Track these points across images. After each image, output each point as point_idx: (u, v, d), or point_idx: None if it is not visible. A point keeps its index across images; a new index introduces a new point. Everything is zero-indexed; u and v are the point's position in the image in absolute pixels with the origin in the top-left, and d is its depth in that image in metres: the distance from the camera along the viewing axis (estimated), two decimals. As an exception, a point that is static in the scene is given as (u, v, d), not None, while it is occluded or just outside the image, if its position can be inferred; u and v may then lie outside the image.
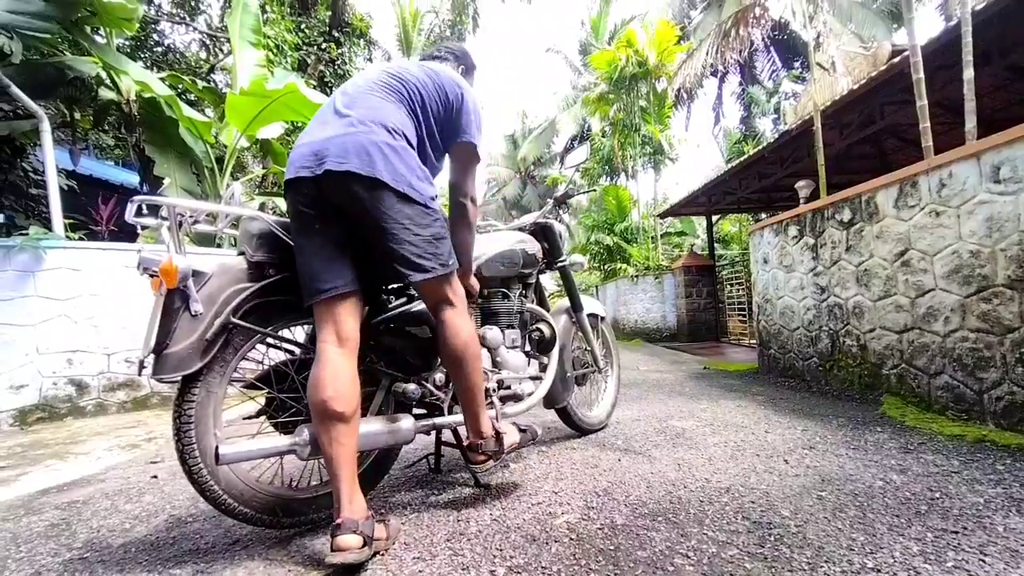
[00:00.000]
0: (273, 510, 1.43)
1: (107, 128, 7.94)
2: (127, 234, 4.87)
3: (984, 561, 1.18)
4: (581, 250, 13.64)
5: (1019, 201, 2.19)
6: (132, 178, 8.50)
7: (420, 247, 1.38)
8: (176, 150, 5.48)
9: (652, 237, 12.48)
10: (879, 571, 1.15)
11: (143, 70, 5.27)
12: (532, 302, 2.24)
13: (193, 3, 9.69)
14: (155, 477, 2.20)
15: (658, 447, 2.28)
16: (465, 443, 1.64)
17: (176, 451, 1.31)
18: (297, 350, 1.55)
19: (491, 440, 1.58)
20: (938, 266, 2.62)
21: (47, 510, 1.84)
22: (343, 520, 1.23)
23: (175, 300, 1.28)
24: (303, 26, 8.44)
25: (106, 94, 5.43)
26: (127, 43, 8.16)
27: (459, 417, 1.71)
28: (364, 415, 1.50)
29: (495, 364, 1.92)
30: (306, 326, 1.65)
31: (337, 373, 1.30)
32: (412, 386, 1.60)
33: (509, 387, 1.95)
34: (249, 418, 1.59)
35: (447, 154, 1.63)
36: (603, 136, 13.45)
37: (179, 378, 1.29)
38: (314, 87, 7.64)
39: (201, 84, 6.53)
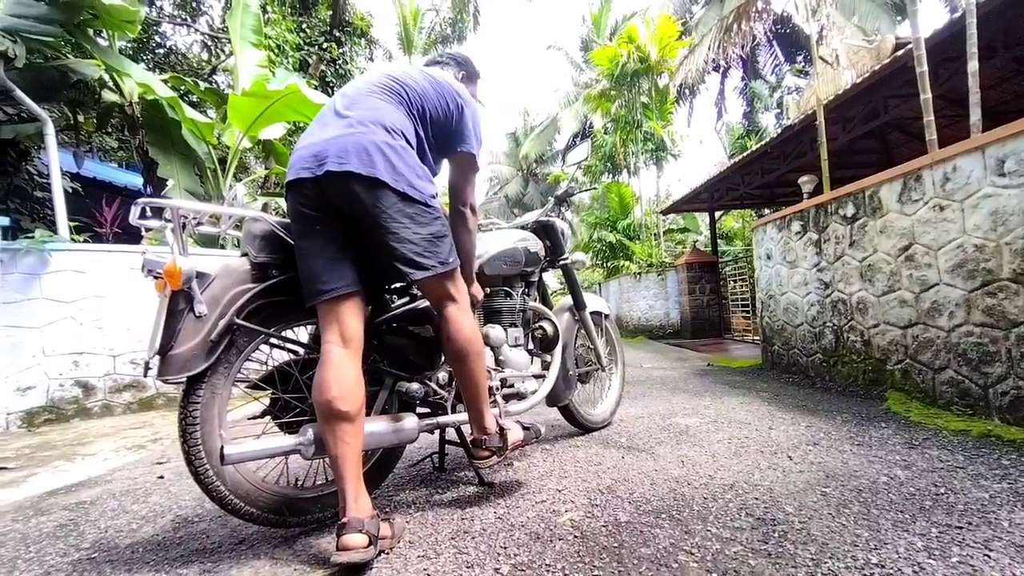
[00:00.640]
0: (279, 509, 1.44)
1: (110, 131, 7.99)
2: (132, 236, 4.90)
3: (989, 556, 1.17)
4: (584, 248, 13.62)
5: (1024, 194, 2.17)
6: (136, 180, 8.53)
7: (421, 245, 1.38)
8: (179, 152, 5.50)
9: (655, 234, 12.45)
10: (883, 567, 1.15)
11: (145, 72, 5.30)
12: (535, 300, 2.24)
13: (194, 4, 9.72)
14: (161, 478, 2.21)
15: (662, 444, 2.28)
16: (469, 439, 1.64)
17: (182, 452, 1.32)
18: (301, 350, 1.56)
19: (495, 437, 1.59)
20: (942, 260, 2.61)
21: (55, 511, 1.86)
22: (348, 519, 1.24)
23: (179, 302, 1.29)
24: (304, 26, 8.45)
25: (109, 96, 5.46)
26: (129, 45, 8.19)
27: (463, 416, 1.72)
28: (368, 414, 1.50)
29: (498, 362, 1.93)
30: (310, 326, 1.66)
31: (341, 373, 1.31)
32: (416, 385, 1.61)
33: (512, 385, 1.96)
34: (254, 418, 1.60)
35: (446, 159, 1.64)
36: (605, 133, 13.41)
37: (184, 379, 1.30)
38: (316, 87, 7.65)
39: (203, 85, 6.55)
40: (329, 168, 1.30)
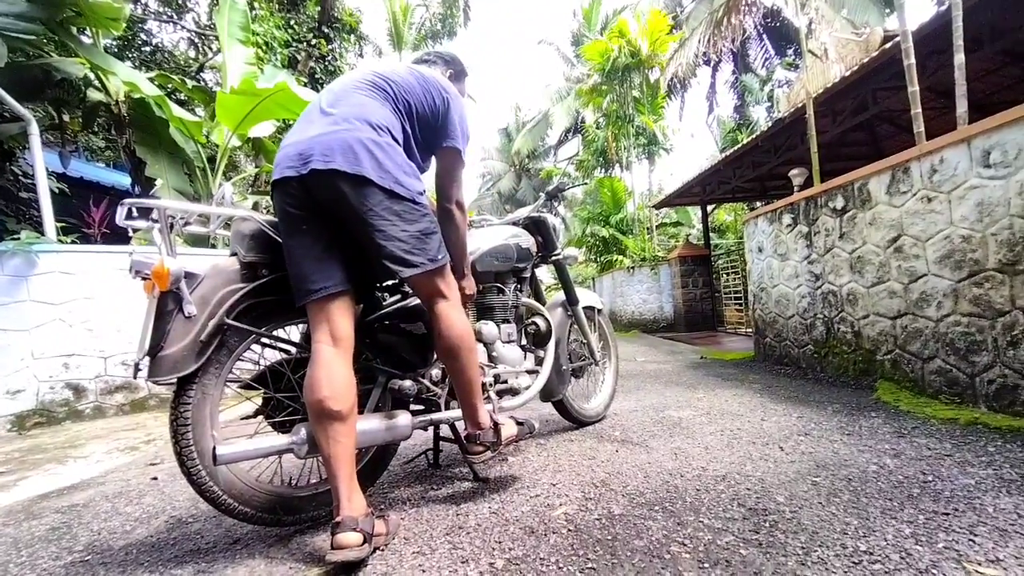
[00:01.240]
0: (273, 509, 1.44)
1: (97, 130, 7.89)
2: (120, 236, 4.85)
3: (974, 541, 1.19)
4: (577, 243, 13.66)
5: (1009, 185, 2.20)
6: (123, 180, 8.44)
7: (409, 243, 1.38)
8: (167, 150, 5.45)
9: (647, 228, 12.49)
10: (872, 554, 1.17)
11: (131, 70, 5.23)
12: (528, 296, 2.25)
13: (180, 1, 9.58)
14: (155, 479, 2.20)
15: (655, 437, 2.29)
16: (463, 435, 1.65)
17: (174, 453, 1.32)
18: (293, 349, 1.56)
19: (489, 431, 1.59)
20: (930, 251, 2.64)
21: (47, 514, 1.84)
22: (342, 518, 1.24)
23: (168, 302, 1.28)
24: (292, 22, 8.36)
25: (94, 95, 5.39)
26: (114, 43, 8.07)
27: (456, 412, 1.72)
28: (361, 412, 1.50)
29: (491, 359, 1.93)
30: (301, 325, 1.65)
31: (332, 372, 1.31)
32: (408, 382, 1.61)
33: (506, 381, 1.96)
34: (246, 418, 1.60)
35: (433, 156, 1.63)
36: (597, 128, 13.42)
37: (174, 380, 1.29)
38: (305, 84, 7.59)
39: (190, 83, 6.48)
40: (314, 167, 1.29)
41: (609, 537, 1.34)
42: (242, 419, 1.62)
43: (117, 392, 3.85)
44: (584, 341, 2.55)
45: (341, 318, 1.37)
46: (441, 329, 1.48)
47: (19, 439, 3.21)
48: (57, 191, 5.38)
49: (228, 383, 1.44)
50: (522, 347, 2.12)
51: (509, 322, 2.03)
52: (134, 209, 1.31)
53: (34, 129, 4.09)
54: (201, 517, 1.69)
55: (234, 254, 1.43)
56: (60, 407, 3.60)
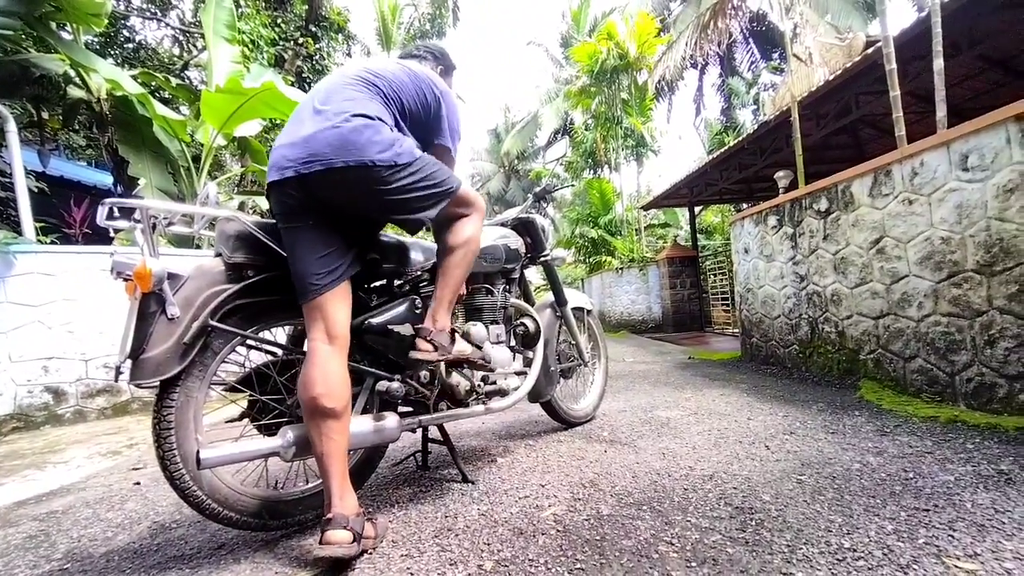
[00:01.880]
0: (259, 513, 1.42)
1: (77, 128, 7.72)
2: (102, 237, 4.76)
3: (953, 536, 1.22)
4: (566, 244, 13.70)
5: (986, 188, 2.25)
6: (105, 179, 8.28)
7: (424, 192, 1.43)
8: (150, 149, 5.36)
9: (636, 229, 12.57)
10: (855, 551, 1.19)
11: (113, 67, 5.13)
12: (516, 297, 2.25)
13: (164, -2, 9.44)
14: (138, 484, 2.16)
15: (643, 437, 2.31)
16: (416, 326, 1.57)
17: (156, 457, 1.29)
18: (278, 351, 1.54)
19: (444, 335, 1.54)
20: (911, 253, 2.69)
21: (24, 522, 1.80)
22: (333, 515, 1.24)
23: (150, 304, 1.25)
24: (279, 21, 8.27)
25: (75, 92, 5.28)
26: (96, 40, 7.92)
27: (445, 413, 1.72)
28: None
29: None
30: (287, 327, 1.64)
31: (327, 370, 1.31)
32: (396, 384, 1.59)
33: (495, 382, 1.96)
34: (231, 421, 1.57)
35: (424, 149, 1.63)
36: (585, 129, 13.47)
37: (157, 383, 1.27)
38: (292, 83, 7.51)
39: (175, 81, 6.38)
40: (315, 168, 1.30)
41: (598, 537, 1.35)
42: (227, 422, 1.60)
43: (99, 396, 3.77)
44: (573, 342, 2.56)
45: (338, 316, 1.37)
46: (453, 230, 1.54)
47: (-4, 444, 3.13)
48: (36, 190, 5.26)
49: (212, 386, 1.42)
50: (511, 348, 2.11)
51: (498, 323, 2.02)
52: (116, 209, 1.28)
53: (12, 126, 4.00)
54: (185, 522, 1.67)
55: (219, 255, 1.41)
56: (39, 411, 3.52)
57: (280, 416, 1.50)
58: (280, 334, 1.59)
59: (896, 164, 2.77)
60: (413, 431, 1.72)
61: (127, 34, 9.01)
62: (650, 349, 6.56)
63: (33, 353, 3.52)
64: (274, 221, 1.45)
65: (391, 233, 1.76)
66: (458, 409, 1.78)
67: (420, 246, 1.79)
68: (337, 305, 1.37)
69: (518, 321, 2.19)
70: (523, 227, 2.28)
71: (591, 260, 12.87)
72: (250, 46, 7.07)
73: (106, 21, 5.00)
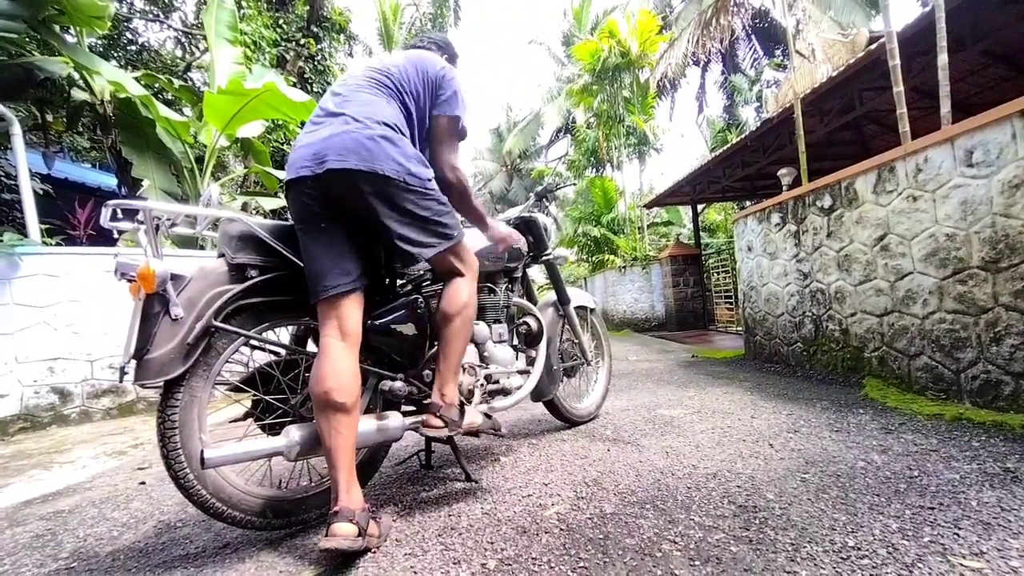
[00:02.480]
0: (263, 512, 1.42)
1: (82, 130, 7.76)
2: (106, 238, 4.79)
3: (958, 535, 1.21)
4: (569, 242, 13.68)
5: (991, 184, 2.24)
6: (109, 180, 8.32)
7: (424, 227, 1.45)
8: (154, 151, 5.38)
9: (639, 227, 12.54)
10: (859, 549, 1.18)
11: (116, 70, 5.15)
12: (519, 296, 2.24)
13: (167, 0, 9.46)
14: (143, 483, 2.18)
15: (647, 436, 2.31)
16: (426, 402, 1.60)
17: (161, 457, 1.30)
18: (282, 351, 1.54)
19: (453, 409, 1.55)
20: (916, 250, 2.67)
21: (31, 521, 1.81)
22: (340, 508, 1.25)
23: (154, 305, 1.26)
24: (281, 22, 8.28)
25: (79, 95, 5.30)
26: (99, 42, 7.95)
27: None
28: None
29: (483, 359, 1.93)
30: (290, 327, 1.64)
31: (339, 366, 1.33)
32: (400, 384, 1.60)
33: (497, 381, 1.96)
34: (235, 421, 1.58)
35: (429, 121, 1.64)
36: (588, 128, 13.45)
37: (161, 383, 1.27)
38: (294, 84, 7.53)
39: (177, 83, 6.39)
40: (331, 167, 1.33)
41: (601, 536, 1.35)
42: (231, 422, 1.61)
43: (104, 396, 3.79)
44: (575, 341, 2.56)
45: (351, 314, 1.40)
46: (447, 294, 1.55)
47: (2, 445, 3.16)
48: (41, 192, 5.29)
49: (216, 386, 1.42)
50: (513, 347, 2.11)
51: (500, 322, 2.03)
52: (119, 210, 1.29)
53: (16, 129, 4.02)
54: (190, 521, 1.67)
55: (222, 255, 1.42)
56: (45, 412, 3.55)
57: (284, 416, 1.50)
58: (283, 334, 1.59)
59: (900, 160, 2.75)
60: (416, 430, 1.72)
61: (130, 36, 9.04)
62: (653, 347, 6.55)
63: (39, 354, 3.54)
64: (277, 222, 1.46)
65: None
66: (461, 408, 1.78)
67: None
68: (352, 305, 1.40)
69: (521, 320, 2.19)
70: (526, 226, 2.28)
71: (594, 259, 12.85)
72: (252, 47, 7.08)
73: (109, 24, 5.02)
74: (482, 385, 1.82)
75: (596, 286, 12.80)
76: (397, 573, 1.23)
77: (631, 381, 3.88)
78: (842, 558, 1.15)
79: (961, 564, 1.09)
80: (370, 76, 1.53)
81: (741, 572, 1.13)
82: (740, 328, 5.80)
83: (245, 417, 1.55)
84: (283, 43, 8.23)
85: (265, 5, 8.17)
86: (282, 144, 7.72)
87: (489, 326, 1.94)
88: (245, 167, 7.21)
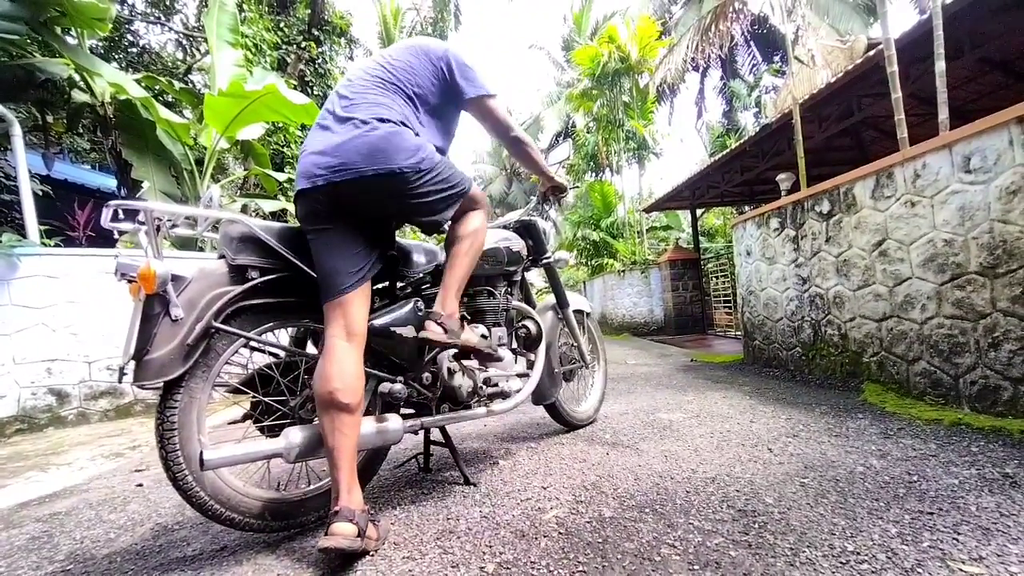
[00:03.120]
0: (261, 514, 1.42)
1: (82, 132, 7.77)
2: (106, 239, 4.78)
3: (957, 540, 1.21)
4: (568, 246, 13.68)
5: (989, 190, 2.25)
6: (109, 182, 8.32)
7: (442, 196, 1.51)
8: (154, 153, 5.38)
9: (638, 232, 12.56)
10: (858, 554, 1.18)
11: (117, 71, 5.16)
12: (518, 299, 2.24)
13: (168, 2, 9.49)
14: (140, 485, 2.17)
15: (645, 440, 2.30)
16: (426, 309, 1.61)
17: (160, 458, 1.30)
18: (281, 353, 1.54)
19: (454, 320, 1.57)
20: (914, 255, 2.68)
21: (27, 523, 1.80)
22: (341, 508, 1.25)
23: (154, 305, 1.26)
24: (282, 25, 8.31)
25: (79, 96, 5.31)
26: (100, 44, 7.97)
27: (447, 416, 1.72)
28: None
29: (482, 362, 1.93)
30: (290, 329, 1.64)
31: (344, 366, 1.34)
32: (399, 386, 1.60)
33: (496, 384, 1.95)
34: (234, 422, 1.58)
35: (465, 112, 1.72)
36: (587, 132, 13.49)
37: (160, 384, 1.27)
38: (294, 87, 7.54)
39: (178, 85, 6.41)
40: (346, 177, 1.36)
41: (600, 540, 1.34)
42: (230, 424, 1.60)
43: (102, 398, 3.78)
44: (574, 344, 2.56)
45: (357, 314, 1.41)
46: (461, 224, 1.61)
47: (-1, 446, 3.14)
48: (40, 193, 5.30)
49: (216, 387, 1.42)
50: (513, 351, 2.11)
51: (500, 325, 2.02)
52: (120, 211, 1.29)
53: (16, 130, 4.02)
54: (187, 524, 1.67)
55: (222, 257, 1.42)
56: (42, 413, 3.53)
57: (283, 418, 1.50)
58: (283, 336, 1.59)
59: (898, 166, 2.76)
60: (415, 433, 1.72)
61: (131, 38, 9.07)
62: (652, 351, 6.55)
63: (36, 355, 3.53)
64: (277, 223, 1.46)
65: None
66: (460, 411, 1.78)
67: (422, 248, 1.80)
68: (358, 304, 1.41)
69: (520, 324, 2.19)
70: (525, 229, 2.28)
71: (593, 263, 12.86)
72: (253, 50, 7.10)
73: (110, 26, 5.04)
74: (481, 388, 1.82)
75: (595, 290, 12.80)
76: (395, 576, 1.22)
77: (630, 385, 3.88)
78: (841, 563, 1.15)
79: (960, 569, 1.09)
80: (373, 74, 1.55)
81: (740, 576, 1.13)
82: (739, 333, 5.80)
83: (244, 419, 1.55)
84: (284, 46, 8.25)
85: (266, 8, 8.19)
86: (282, 147, 7.73)
87: (489, 329, 1.94)
88: (245, 169, 7.22)
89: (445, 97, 1.62)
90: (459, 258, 1.59)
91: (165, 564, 1.38)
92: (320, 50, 8.76)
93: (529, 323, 2.17)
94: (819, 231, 3.47)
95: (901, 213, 2.75)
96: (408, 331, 1.67)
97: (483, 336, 1.75)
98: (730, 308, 8.10)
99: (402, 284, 1.76)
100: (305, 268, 1.45)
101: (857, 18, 12.02)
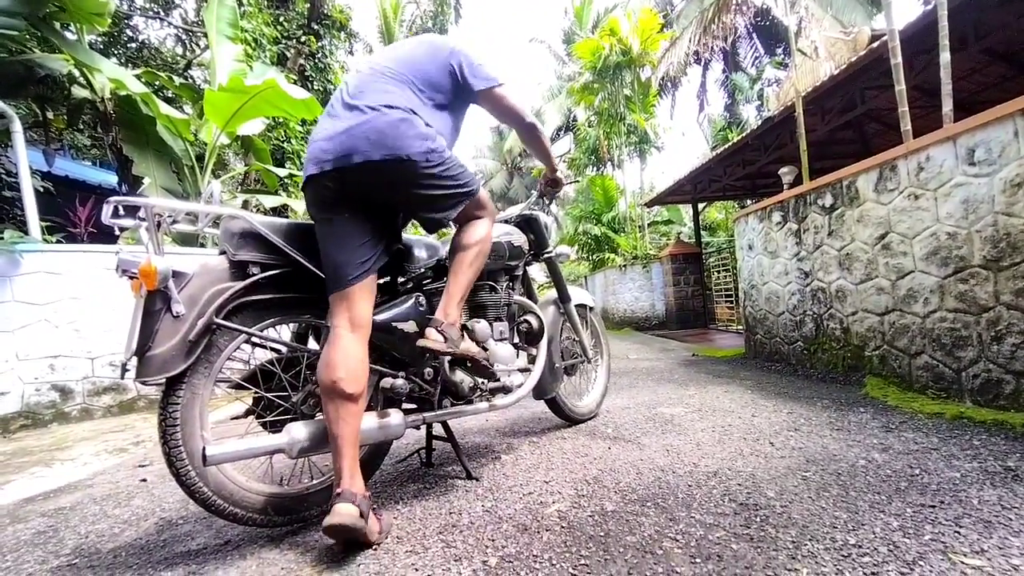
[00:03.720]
0: (264, 509, 1.42)
1: (82, 127, 7.76)
2: (107, 236, 4.77)
3: (959, 533, 1.21)
4: (569, 241, 13.67)
5: (993, 183, 2.23)
6: (110, 178, 8.31)
7: (449, 194, 1.50)
8: (154, 148, 5.37)
9: (639, 226, 12.53)
10: (860, 547, 1.19)
11: (117, 67, 5.14)
12: (520, 294, 2.24)
13: (167, -3, 9.45)
14: (144, 480, 2.18)
15: (647, 434, 2.31)
16: (427, 316, 1.60)
17: (163, 454, 1.30)
18: (283, 349, 1.54)
19: (454, 329, 1.54)
20: (917, 248, 2.67)
21: (33, 518, 1.82)
22: (343, 490, 1.26)
23: (156, 302, 1.26)
24: (281, 19, 8.27)
25: (80, 92, 5.29)
26: (99, 39, 7.94)
27: (449, 410, 1.72)
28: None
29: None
30: (292, 325, 1.64)
31: (348, 355, 1.34)
32: (401, 381, 1.60)
33: (498, 379, 1.96)
34: (237, 418, 1.58)
35: (475, 105, 1.72)
36: (588, 126, 13.43)
37: (163, 380, 1.27)
38: (295, 81, 7.52)
39: (178, 80, 6.40)
40: (353, 161, 1.35)
41: (602, 533, 1.35)
42: (232, 419, 1.61)
43: (105, 394, 3.79)
44: (576, 339, 2.55)
45: (363, 305, 1.41)
46: (466, 231, 1.59)
47: (3, 442, 3.16)
48: (41, 190, 5.29)
49: (218, 383, 1.42)
50: (514, 345, 2.11)
51: (501, 320, 2.02)
52: (121, 207, 1.29)
53: (17, 127, 4.02)
54: (191, 519, 1.68)
55: (223, 252, 1.42)
56: (46, 409, 3.55)
57: (285, 413, 1.50)
58: (285, 331, 1.59)
59: (902, 159, 2.75)
60: (417, 428, 1.72)
61: (130, 34, 9.03)
62: (654, 346, 6.55)
63: (40, 351, 3.54)
64: (279, 219, 1.46)
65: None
66: (462, 406, 1.78)
67: (424, 243, 1.79)
68: (363, 296, 1.42)
69: (522, 318, 2.19)
70: (527, 224, 2.27)
71: (594, 257, 12.84)
72: (253, 44, 7.07)
73: (109, 21, 5.02)
74: (483, 383, 1.82)
75: (596, 284, 12.79)
76: (398, 570, 1.23)
77: (632, 379, 3.88)
78: (843, 556, 1.15)
79: (962, 562, 1.10)
80: (383, 65, 1.55)
81: (742, 570, 1.13)
82: (741, 327, 5.80)
83: (246, 414, 1.55)
84: (284, 40, 8.21)
85: (266, 2, 8.15)
86: (282, 142, 7.71)
87: (490, 324, 1.94)
88: (246, 165, 7.21)
89: (453, 93, 1.61)
90: (463, 267, 1.57)
91: (169, 558, 1.39)
92: (320, 44, 8.72)
93: (531, 317, 2.17)
94: (821, 225, 3.46)
95: (904, 206, 2.74)
96: (410, 326, 1.67)
97: (483, 347, 1.72)
98: (732, 302, 8.09)
99: (403, 279, 1.76)
100: (307, 264, 1.45)
101: (860, 9, 11.90)
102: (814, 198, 3.53)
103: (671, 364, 4.67)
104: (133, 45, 8.96)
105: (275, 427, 1.50)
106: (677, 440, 2.17)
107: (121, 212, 1.30)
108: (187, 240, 4.82)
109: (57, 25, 4.77)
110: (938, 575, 1.06)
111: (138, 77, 5.20)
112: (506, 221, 2.25)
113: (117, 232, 1.42)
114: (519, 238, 2.13)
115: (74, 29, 5.13)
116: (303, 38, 8.42)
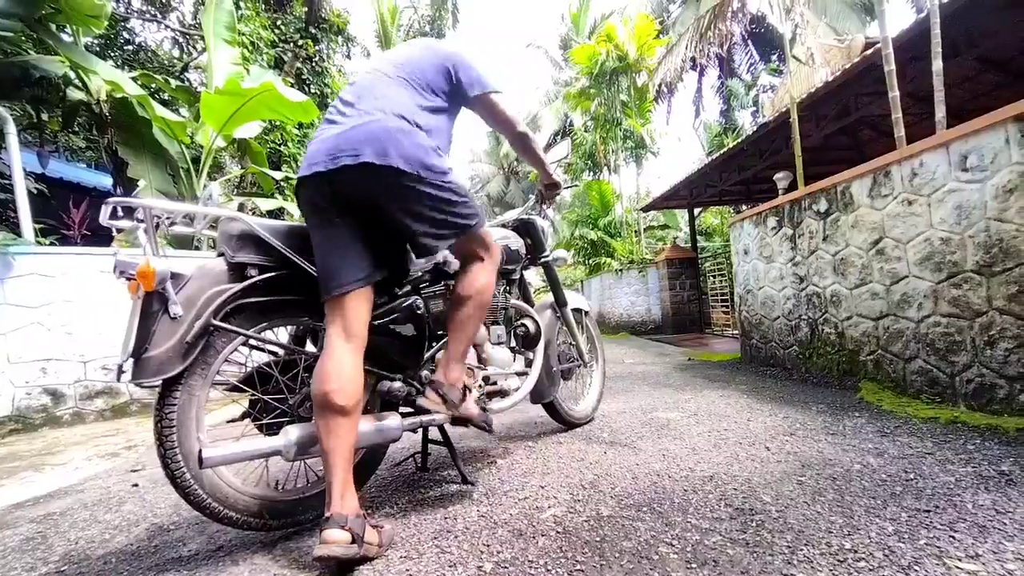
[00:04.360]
0: (259, 513, 1.41)
1: (77, 130, 7.73)
2: (101, 238, 4.75)
3: (954, 537, 1.22)
4: (565, 245, 13.69)
5: (985, 189, 2.26)
6: (105, 180, 8.28)
7: (441, 218, 1.44)
8: (150, 151, 5.36)
9: (635, 231, 12.57)
10: (856, 552, 1.19)
11: (113, 69, 5.13)
12: (517, 298, 2.25)
13: (164, 0, 9.45)
14: (136, 485, 2.16)
15: (643, 439, 2.31)
16: (427, 380, 1.60)
17: (158, 456, 1.29)
18: (280, 351, 1.54)
19: (456, 391, 1.54)
20: (911, 254, 2.69)
21: (22, 524, 1.79)
22: (332, 514, 1.23)
23: (153, 303, 1.25)
24: (279, 23, 8.29)
25: (75, 94, 5.28)
26: (95, 42, 7.94)
27: (446, 415, 1.71)
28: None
29: (481, 360, 1.93)
30: (289, 327, 1.64)
31: (342, 367, 1.32)
32: (398, 384, 1.59)
33: (495, 383, 1.95)
34: (233, 421, 1.57)
35: (469, 110, 1.70)
36: (585, 131, 13.48)
37: (159, 382, 1.27)
38: (292, 85, 7.52)
39: (174, 83, 6.39)
40: (345, 162, 1.32)
41: (598, 539, 1.34)
42: (228, 422, 1.60)
43: (97, 397, 3.76)
44: (573, 343, 2.56)
45: (358, 314, 1.38)
46: (464, 279, 1.54)
47: (-6, 446, 3.13)
48: (35, 192, 5.27)
49: (214, 385, 1.41)
50: (511, 349, 2.11)
51: (498, 324, 2.02)
52: (118, 208, 1.28)
53: (11, 128, 4.00)
54: (183, 524, 1.66)
55: (221, 254, 1.41)
56: (37, 413, 3.51)
57: (282, 416, 1.49)
58: (282, 334, 1.59)
59: (895, 165, 2.77)
60: (414, 431, 1.72)
61: (127, 36, 9.03)
62: (650, 351, 6.56)
63: (32, 355, 3.51)
64: (276, 221, 1.46)
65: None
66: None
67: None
68: (357, 306, 1.38)
69: (519, 322, 2.19)
70: (524, 228, 2.28)
71: (590, 262, 12.85)
72: (250, 48, 7.08)
73: (106, 23, 5.01)
74: (480, 387, 1.82)
75: (593, 289, 12.81)
76: None
77: (628, 384, 3.88)
78: (839, 561, 1.15)
79: (957, 567, 1.10)
80: (385, 69, 1.54)
81: (738, 575, 1.13)
82: (736, 332, 5.81)
83: (243, 417, 1.54)
84: (281, 44, 8.23)
85: (263, 6, 8.16)
86: (279, 145, 7.71)
87: (487, 328, 1.94)
88: (242, 168, 7.19)
89: (449, 97, 1.60)
90: (464, 323, 1.52)
91: (160, 564, 1.37)
92: (317, 48, 8.74)
93: (527, 321, 2.17)
94: (816, 230, 3.48)
95: (898, 212, 2.76)
96: (407, 329, 1.67)
97: (482, 409, 1.69)
98: (727, 307, 8.11)
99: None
100: (304, 266, 1.45)
101: (854, 17, 12.06)
102: (809, 203, 3.55)
103: (667, 368, 4.67)
104: (130, 47, 8.95)
105: (272, 430, 1.49)
106: (673, 445, 2.17)
107: (119, 213, 1.29)
108: (182, 242, 4.80)
109: (53, 27, 4.77)
110: (933, 579, 1.06)
111: (134, 79, 5.19)
112: (503, 225, 2.26)
113: (114, 234, 1.42)
114: (516, 242, 2.14)
115: (70, 31, 5.12)
116: (300, 42, 8.44)
